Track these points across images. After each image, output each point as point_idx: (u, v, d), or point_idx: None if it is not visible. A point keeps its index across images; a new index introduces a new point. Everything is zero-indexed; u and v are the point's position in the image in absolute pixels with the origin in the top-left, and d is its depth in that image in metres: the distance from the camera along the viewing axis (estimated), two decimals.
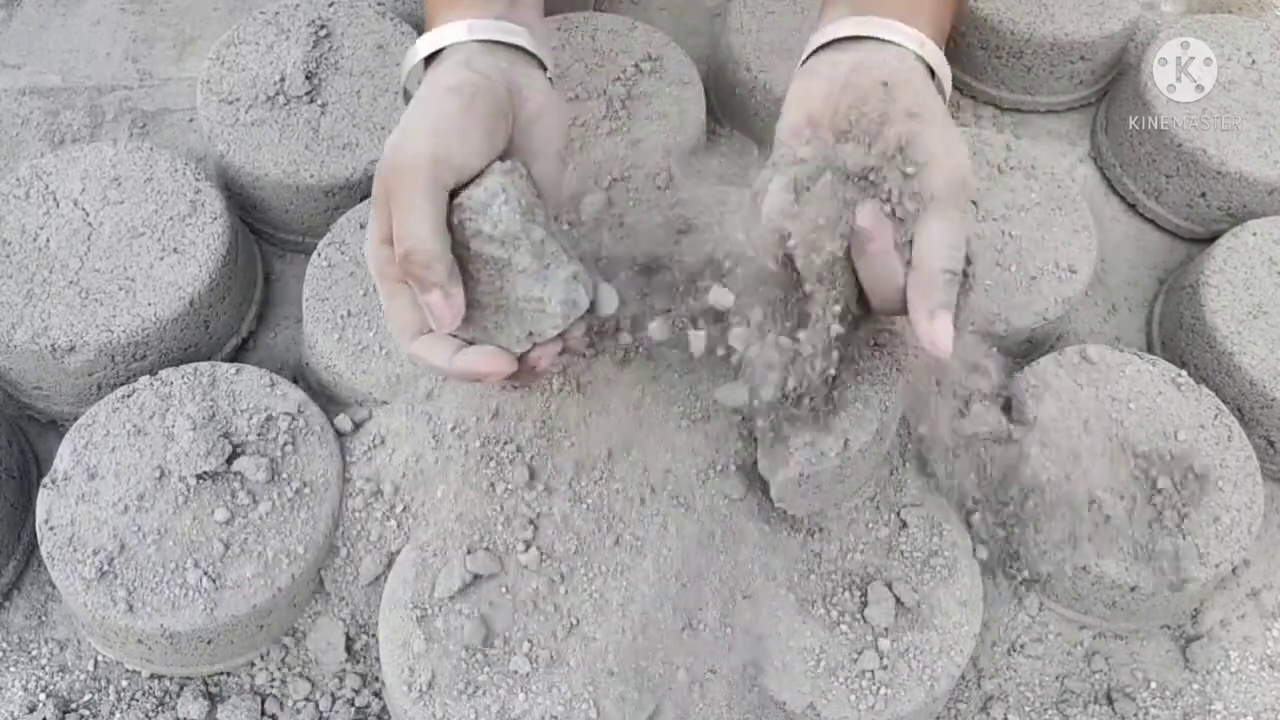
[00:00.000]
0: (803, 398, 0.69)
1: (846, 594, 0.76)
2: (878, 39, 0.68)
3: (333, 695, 0.77)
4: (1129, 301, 1.02)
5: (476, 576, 0.73)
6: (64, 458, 0.77)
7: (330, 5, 0.99)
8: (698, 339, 0.69)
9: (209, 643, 0.75)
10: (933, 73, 0.69)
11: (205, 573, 0.73)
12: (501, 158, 0.66)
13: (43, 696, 0.77)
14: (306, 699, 0.77)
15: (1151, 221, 1.06)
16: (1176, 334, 0.95)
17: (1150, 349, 0.98)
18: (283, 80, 0.94)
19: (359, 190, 0.92)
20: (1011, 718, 0.80)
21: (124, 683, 0.78)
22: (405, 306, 0.65)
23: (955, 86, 1.13)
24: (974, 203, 0.92)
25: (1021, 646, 0.83)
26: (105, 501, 0.75)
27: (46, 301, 0.83)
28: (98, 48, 1.11)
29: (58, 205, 0.87)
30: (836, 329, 0.66)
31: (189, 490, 0.75)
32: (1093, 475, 0.82)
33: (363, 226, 0.85)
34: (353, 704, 0.77)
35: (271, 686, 0.77)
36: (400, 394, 0.80)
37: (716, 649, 0.74)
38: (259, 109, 0.93)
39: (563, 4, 1.03)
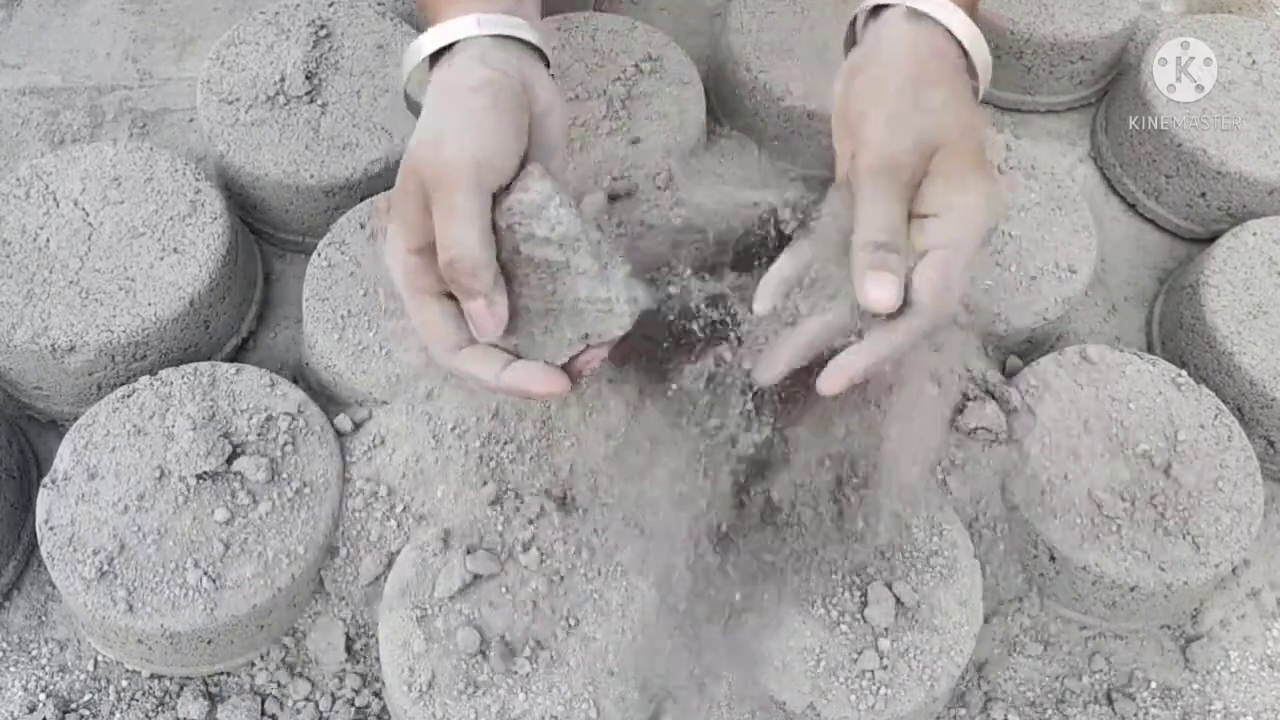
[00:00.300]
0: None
1: (846, 594, 0.76)
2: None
3: (333, 695, 0.77)
4: (1129, 301, 1.02)
5: (476, 576, 0.73)
6: (64, 458, 0.77)
7: (330, 5, 0.99)
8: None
9: (209, 643, 0.75)
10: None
11: (205, 573, 0.73)
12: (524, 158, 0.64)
13: (43, 696, 0.77)
14: (306, 699, 0.77)
15: (1151, 221, 1.06)
16: (1176, 334, 0.95)
17: (1150, 349, 0.98)
18: (283, 80, 0.94)
19: (359, 190, 0.92)
20: (1011, 718, 0.80)
21: (124, 683, 0.78)
22: (440, 318, 0.62)
23: None
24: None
25: (1021, 647, 0.83)
26: (105, 501, 0.75)
27: (46, 301, 0.83)
28: (98, 48, 1.11)
29: (58, 205, 0.87)
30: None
31: (189, 490, 0.75)
32: (1093, 475, 0.82)
33: (362, 226, 0.86)
34: (353, 704, 0.77)
35: (271, 686, 0.77)
36: (400, 394, 0.80)
37: (716, 649, 0.74)
38: (259, 109, 0.93)
39: (563, 4, 1.03)
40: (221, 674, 0.78)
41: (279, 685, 0.77)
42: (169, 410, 0.79)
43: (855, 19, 0.71)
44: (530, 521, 0.75)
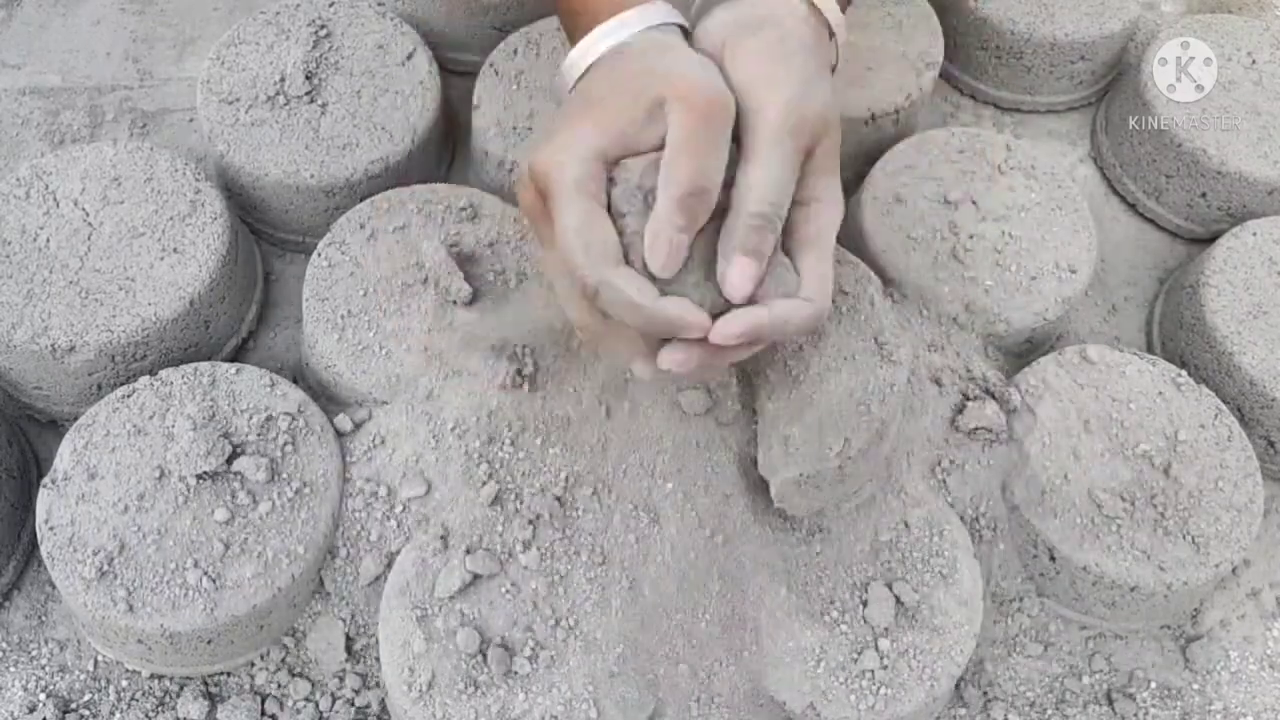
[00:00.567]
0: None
1: (846, 594, 0.76)
2: None
3: (333, 695, 0.77)
4: (1129, 301, 1.02)
5: (476, 576, 0.73)
6: (64, 458, 0.77)
7: (330, 5, 0.99)
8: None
9: (209, 643, 0.75)
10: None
11: (205, 573, 0.73)
12: None
13: (43, 696, 0.77)
14: (306, 699, 0.77)
15: (1151, 221, 1.06)
16: (1176, 334, 0.95)
17: (1150, 349, 0.98)
18: (283, 80, 0.94)
19: (359, 190, 0.92)
20: (1011, 718, 0.80)
21: (124, 683, 0.78)
22: (604, 225, 0.60)
23: (955, 87, 1.13)
24: (974, 201, 0.92)
25: (1021, 647, 0.83)
26: (105, 501, 0.75)
27: (46, 301, 0.83)
28: (98, 48, 1.11)
29: (58, 205, 0.87)
30: None
31: (189, 490, 0.75)
32: (1093, 475, 0.82)
33: (362, 226, 0.86)
34: (353, 704, 0.77)
35: (271, 686, 0.77)
36: (400, 394, 0.80)
37: (717, 649, 0.74)
38: (259, 109, 0.93)
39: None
40: (221, 674, 0.78)
41: (279, 685, 0.77)
42: (169, 410, 0.79)
43: None
44: (530, 521, 0.75)
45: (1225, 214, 1.01)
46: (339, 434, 0.80)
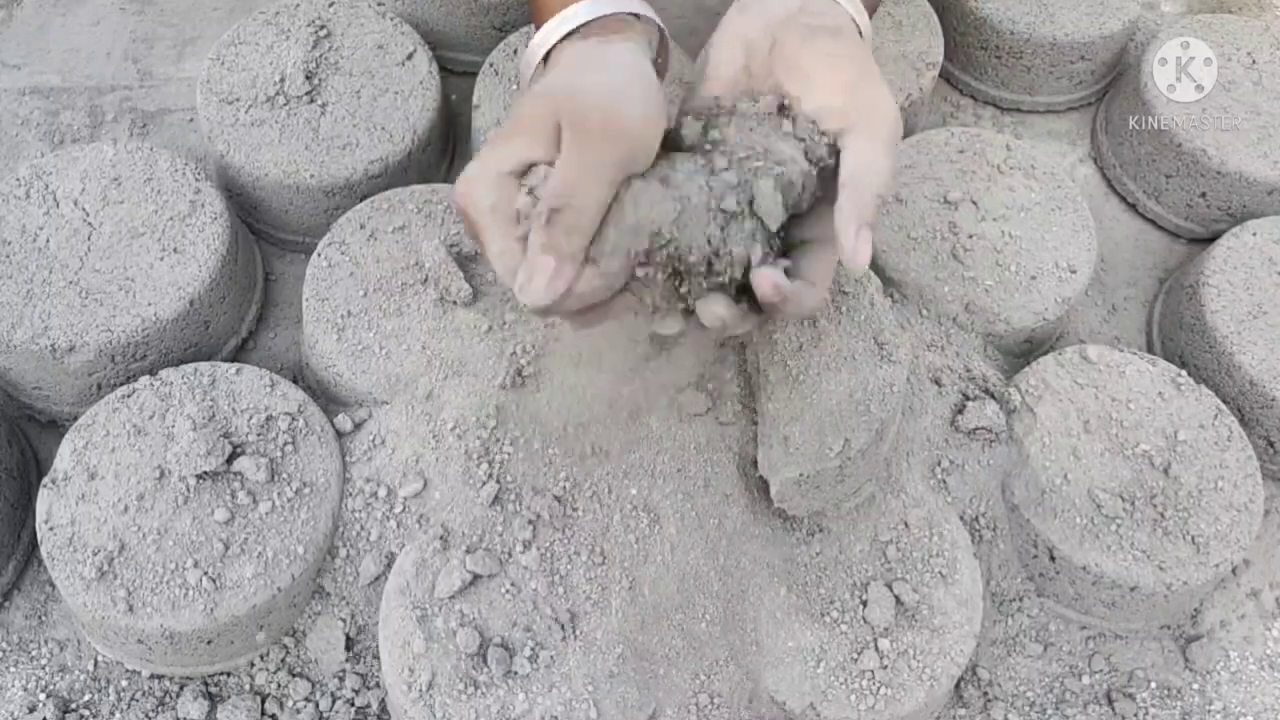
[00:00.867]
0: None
1: (846, 594, 0.76)
2: None
3: (333, 695, 0.77)
4: (1129, 301, 1.02)
5: (476, 576, 0.73)
6: (64, 458, 0.77)
7: (330, 5, 0.99)
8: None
9: (209, 643, 0.75)
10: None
11: (205, 573, 0.73)
12: None
13: (43, 696, 0.77)
14: (306, 699, 0.77)
15: (1151, 221, 1.06)
16: (1176, 334, 0.95)
17: (1150, 349, 0.98)
18: (283, 80, 0.94)
19: (359, 190, 0.92)
20: (1011, 718, 0.80)
21: (124, 683, 0.78)
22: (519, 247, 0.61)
23: (955, 87, 1.13)
24: (974, 201, 0.92)
25: (1021, 647, 0.83)
26: (105, 501, 0.75)
27: (46, 301, 0.83)
28: (98, 48, 1.11)
29: (58, 205, 0.87)
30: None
31: (189, 490, 0.75)
32: (1093, 475, 0.82)
33: (362, 226, 0.86)
34: (353, 704, 0.77)
35: (271, 686, 0.77)
36: (400, 394, 0.80)
37: (717, 649, 0.74)
38: (259, 109, 0.93)
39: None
40: (221, 674, 0.78)
41: (279, 685, 0.77)
42: (169, 410, 0.79)
43: None
44: (530, 521, 0.75)
45: (1225, 214, 1.01)
46: (339, 434, 0.80)
